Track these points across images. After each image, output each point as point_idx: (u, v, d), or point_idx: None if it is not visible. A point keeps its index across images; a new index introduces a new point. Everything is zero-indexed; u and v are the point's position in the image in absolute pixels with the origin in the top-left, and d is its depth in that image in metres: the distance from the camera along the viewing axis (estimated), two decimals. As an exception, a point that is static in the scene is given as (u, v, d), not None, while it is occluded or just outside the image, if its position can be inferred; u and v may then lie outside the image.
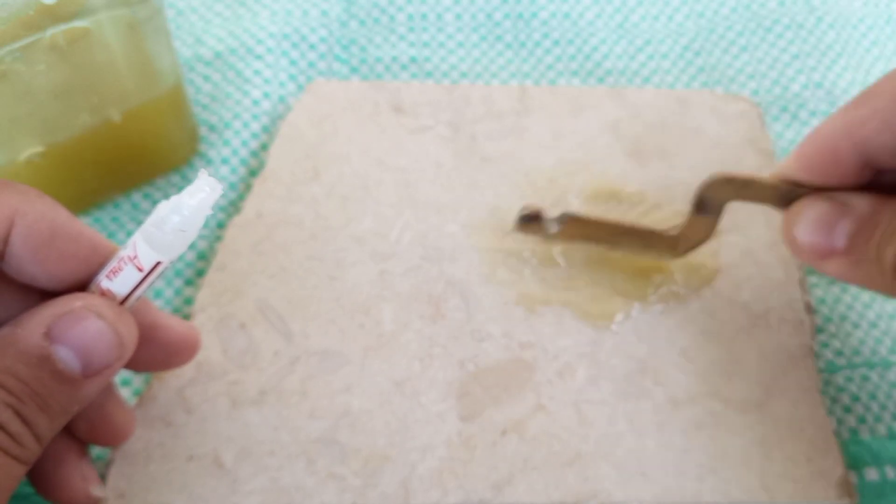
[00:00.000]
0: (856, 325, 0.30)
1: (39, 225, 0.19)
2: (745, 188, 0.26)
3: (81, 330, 0.18)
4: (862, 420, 0.28)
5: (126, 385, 0.27)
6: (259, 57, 0.34)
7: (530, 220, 0.28)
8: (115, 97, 0.27)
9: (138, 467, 0.24)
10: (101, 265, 0.20)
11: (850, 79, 0.36)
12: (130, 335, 0.20)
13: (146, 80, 0.28)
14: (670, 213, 0.30)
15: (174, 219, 0.19)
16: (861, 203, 0.24)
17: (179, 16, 0.35)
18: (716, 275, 0.29)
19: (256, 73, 0.34)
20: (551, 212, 0.28)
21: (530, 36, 0.36)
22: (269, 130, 0.32)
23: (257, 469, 0.24)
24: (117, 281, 0.20)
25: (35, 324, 0.18)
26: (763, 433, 0.26)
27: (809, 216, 0.24)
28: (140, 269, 0.19)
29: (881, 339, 0.29)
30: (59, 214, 0.19)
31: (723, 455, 0.25)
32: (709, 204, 0.26)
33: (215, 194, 0.19)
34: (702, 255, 0.29)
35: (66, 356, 0.18)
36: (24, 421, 0.18)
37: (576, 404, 0.26)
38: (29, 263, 0.19)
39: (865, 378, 0.29)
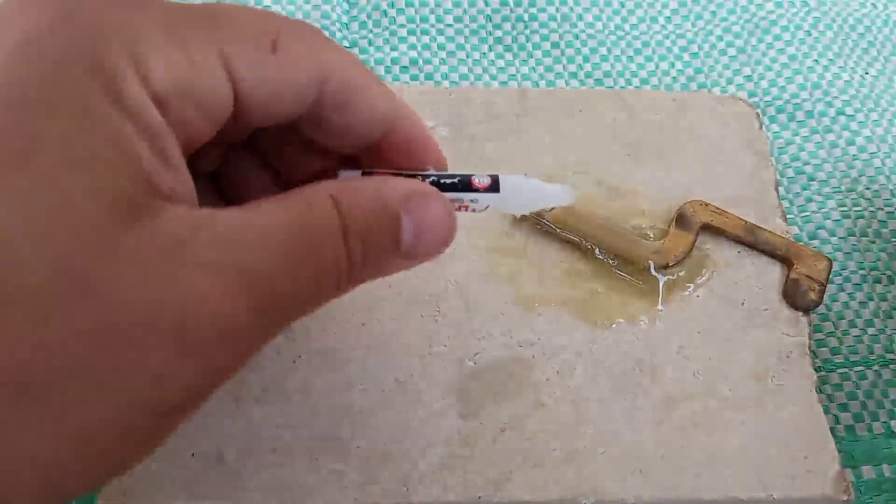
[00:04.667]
0: (852, 324, 0.30)
1: (349, 84, 0.19)
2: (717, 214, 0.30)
3: (431, 219, 0.19)
4: (858, 418, 0.28)
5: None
6: (261, 59, 0.34)
7: None
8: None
9: (141, 464, 0.24)
10: (380, 126, 0.20)
11: (847, 80, 0.36)
12: (450, 241, 0.20)
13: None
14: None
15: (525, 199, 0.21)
16: None
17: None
18: (713, 274, 0.29)
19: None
20: None
21: (529, 38, 0.37)
22: (271, 132, 0.33)
23: (259, 466, 0.24)
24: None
25: (400, 191, 0.19)
26: (760, 431, 0.26)
27: None
28: (472, 211, 0.21)
29: (877, 337, 0.30)
30: (363, 74, 0.19)
31: (720, 452, 0.25)
32: (687, 221, 0.29)
33: (562, 201, 0.21)
34: (701, 255, 0.29)
35: (407, 227, 0.19)
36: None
37: (574, 402, 0.26)
38: (332, 122, 0.19)
39: (862, 376, 0.29)
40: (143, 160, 0.14)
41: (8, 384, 0.13)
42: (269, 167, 0.22)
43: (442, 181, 0.20)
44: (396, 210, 0.18)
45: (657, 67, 0.36)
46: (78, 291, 0.13)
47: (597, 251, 0.29)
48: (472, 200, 0.21)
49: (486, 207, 0.21)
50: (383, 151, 0.20)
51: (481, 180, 0.21)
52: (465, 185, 0.20)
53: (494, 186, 0.21)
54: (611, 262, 0.29)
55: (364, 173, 0.20)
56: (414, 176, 0.20)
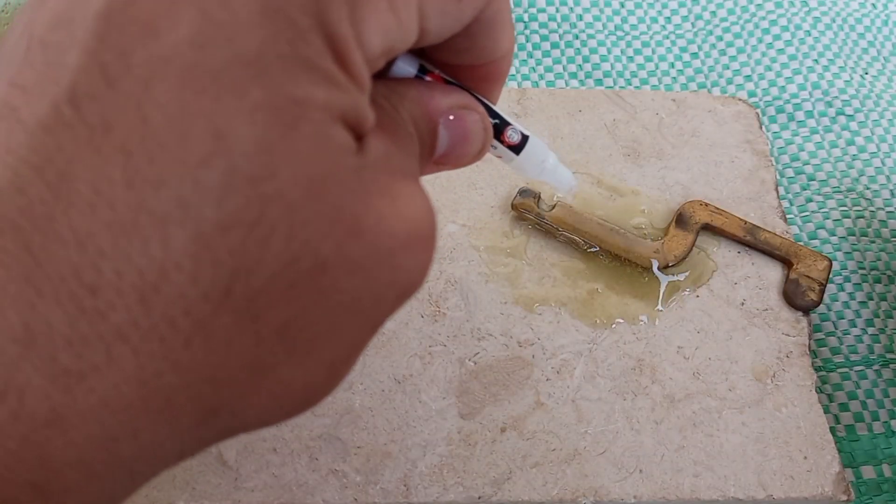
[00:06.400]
0: (852, 324, 0.30)
1: (492, 20, 0.19)
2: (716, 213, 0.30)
3: (467, 133, 0.20)
4: (858, 418, 0.28)
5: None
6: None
7: (529, 196, 0.29)
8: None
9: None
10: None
11: (847, 80, 0.36)
12: (482, 155, 0.21)
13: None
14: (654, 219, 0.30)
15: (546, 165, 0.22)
16: None
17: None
18: (713, 274, 0.29)
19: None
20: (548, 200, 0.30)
21: (529, 38, 0.37)
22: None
23: (260, 466, 0.24)
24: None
25: (444, 103, 0.20)
26: (759, 430, 0.26)
27: None
28: (498, 157, 0.22)
29: (877, 337, 0.30)
30: None
31: (719, 452, 0.25)
32: (686, 221, 0.30)
33: (564, 191, 0.22)
34: (701, 255, 0.29)
35: (443, 138, 0.20)
36: None
37: (574, 402, 0.26)
38: (456, 44, 0.20)
39: (862, 376, 0.29)
40: (369, 120, 0.16)
41: (289, 331, 0.15)
42: None
43: None
44: (436, 121, 0.20)
45: (657, 67, 0.36)
46: (351, 233, 0.15)
47: (597, 251, 0.29)
48: (492, 146, 0.21)
49: (499, 157, 0.21)
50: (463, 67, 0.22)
51: (512, 136, 0.21)
52: (496, 130, 0.21)
53: (518, 148, 0.21)
54: (611, 262, 0.29)
55: (420, 69, 0.21)
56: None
